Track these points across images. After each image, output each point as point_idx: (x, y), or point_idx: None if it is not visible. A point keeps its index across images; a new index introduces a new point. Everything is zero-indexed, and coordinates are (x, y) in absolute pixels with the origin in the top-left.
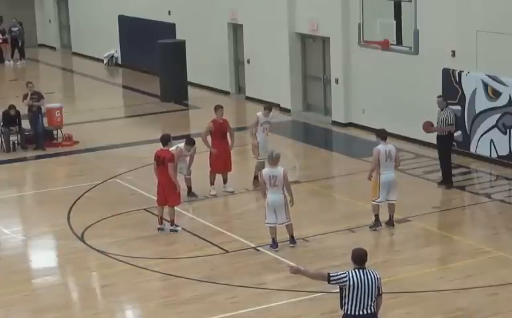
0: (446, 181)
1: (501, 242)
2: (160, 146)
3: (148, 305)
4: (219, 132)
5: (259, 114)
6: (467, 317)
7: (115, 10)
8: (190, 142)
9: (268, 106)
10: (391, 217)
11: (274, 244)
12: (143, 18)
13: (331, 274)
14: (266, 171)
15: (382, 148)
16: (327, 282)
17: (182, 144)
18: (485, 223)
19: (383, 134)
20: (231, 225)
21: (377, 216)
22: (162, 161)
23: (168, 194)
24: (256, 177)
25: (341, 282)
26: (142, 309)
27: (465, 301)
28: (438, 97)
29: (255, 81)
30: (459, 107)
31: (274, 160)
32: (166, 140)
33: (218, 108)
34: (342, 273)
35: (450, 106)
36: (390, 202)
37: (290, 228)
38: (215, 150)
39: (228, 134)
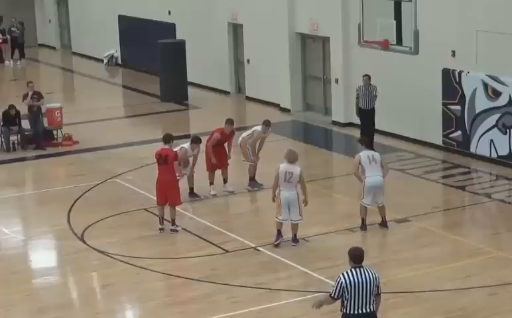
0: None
1: (501, 242)
2: (160, 145)
3: (148, 305)
4: (223, 141)
5: (258, 129)
6: (467, 316)
7: (115, 10)
8: (197, 140)
9: (267, 121)
10: (383, 219)
11: (279, 236)
12: (143, 18)
13: (330, 293)
14: (283, 166)
15: (363, 153)
16: (334, 301)
17: (186, 145)
18: (485, 223)
19: (366, 142)
20: (231, 225)
21: (363, 220)
22: (164, 160)
23: (169, 193)
24: (251, 178)
25: (340, 288)
26: (142, 309)
27: (465, 301)
28: (364, 75)
29: (255, 81)
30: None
31: (293, 157)
32: (168, 138)
33: (229, 122)
34: (337, 282)
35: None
36: (379, 205)
37: (295, 227)
38: (216, 162)
39: (228, 143)
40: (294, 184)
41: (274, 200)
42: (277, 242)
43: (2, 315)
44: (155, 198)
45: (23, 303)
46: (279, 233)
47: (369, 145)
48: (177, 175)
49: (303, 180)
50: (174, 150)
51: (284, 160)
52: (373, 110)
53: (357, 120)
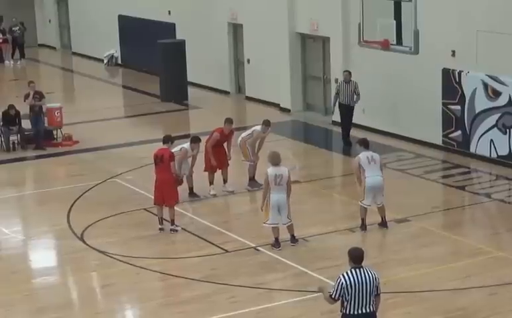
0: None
1: (501, 242)
2: (159, 146)
3: (148, 305)
4: (223, 141)
5: (258, 129)
6: (467, 316)
7: (115, 10)
8: (197, 140)
9: (267, 121)
10: (383, 219)
11: (277, 244)
12: (143, 18)
13: (331, 294)
14: (271, 170)
15: (362, 154)
16: (334, 302)
17: (186, 145)
18: (485, 223)
19: (364, 142)
20: (231, 225)
21: (363, 220)
22: (161, 159)
23: (165, 193)
24: (251, 178)
25: (341, 289)
26: (142, 309)
27: (465, 301)
28: (345, 71)
29: (255, 81)
30: None
31: (278, 159)
32: (167, 139)
33: (229, 121)
34: (337, 282)
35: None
36: (379, 205)
37: (291, 228)
38: (216, 163)
39: (228, 143)
40: (284, 186)
41: (262, 209)
42: (274, 249)
43: (2, 315)
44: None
45: (23, 303)
46: (277, 241)
47: (367, 145)
48: (175, 174)
49: (290, 180)
50: (173, 150)
51: (268, 164)
52: (352, 106)
53: (358, 120)
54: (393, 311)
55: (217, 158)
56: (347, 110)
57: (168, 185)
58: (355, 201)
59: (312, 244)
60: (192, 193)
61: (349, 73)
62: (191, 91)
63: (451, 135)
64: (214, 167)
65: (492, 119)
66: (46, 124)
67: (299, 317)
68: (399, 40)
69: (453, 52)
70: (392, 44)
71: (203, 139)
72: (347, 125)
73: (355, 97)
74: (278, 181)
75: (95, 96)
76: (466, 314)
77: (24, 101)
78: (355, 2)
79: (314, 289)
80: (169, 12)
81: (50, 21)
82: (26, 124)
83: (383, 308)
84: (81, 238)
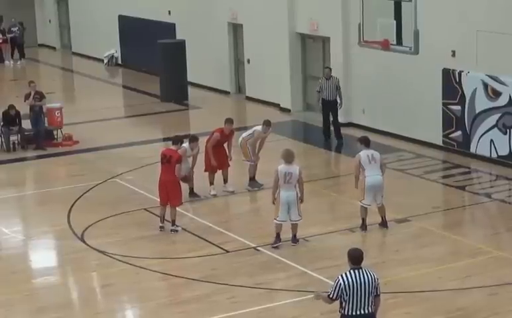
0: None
1: (501, 242)
2: (163, 145)
3: (148, 305)
4: (223, 141)
5: (259, 129)
6: (467, 317)
7: (115, 10)
8: (196, 139)
9: (268, 121)
10: (383, 219)
11: (277, 239)
12: (143, 18)
13: (329, 294)
14: (282, 167)
15: (363, 152)
16: (332, 302)
17: (185, 144)
18: (485, 223)
19: (365, 141)
20: (231, 225)
21: (363, 220)
22: (168, 160)
23: (170, 194)
24: (251, 178)
25: (339, 290)
26: (142, 309)
27: (465, 301)
28: (326, 67)
29: (255, 81)
30: None
31: (291, 157)
32: (177, 140)
33: (229, 121)
34: (335, 283)
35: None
36: (378, 205)
37: (295, 227)
38: (216, 164)
39: (228, 143)
40: (294, 184)
41: (274, 202)
42: (275, 245)
43: (2, 315)
44: (155, 198)
45: (23, 303)
46: (278, 236)
47: (368, 143)
48: (178, 177)
49: (302, 179)
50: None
51: (281, 161)
52: (335, 101)
53: (358, 120)
54: (393, 311)
55: (218, 158)
56: (331, 106)
57: (172, 185)
58: (355, 201)
59: (312, 244)
60: (192, 193)
61: (330, 69)
62: (191, 91)
63: (451, 135)
64: (214, 167)
65: (492, 119)
66: (46, 124)
67: (299, 317)
68: (399, 40)
69: (454, 52)
70: (392, 44)
71: (203, 139)
72: (335, 121)
73: (336, 92)
74: (288, 179)
75: (95, 96)
76: (466, 314)
77: (25, 101)
78: (355, 2)
79: (314, 289)
80: (169, 12)
81: (50, 21)
82: (26, 124)
83: (383, 308)
84: (82, 238)
